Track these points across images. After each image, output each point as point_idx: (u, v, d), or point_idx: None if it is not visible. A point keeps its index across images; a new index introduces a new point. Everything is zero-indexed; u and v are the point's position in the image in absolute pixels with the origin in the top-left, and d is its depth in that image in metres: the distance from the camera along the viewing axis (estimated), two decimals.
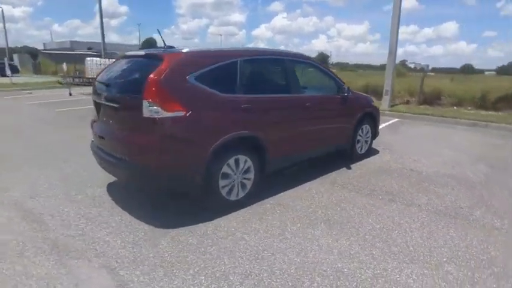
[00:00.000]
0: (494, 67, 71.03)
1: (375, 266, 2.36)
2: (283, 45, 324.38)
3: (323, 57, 57.30)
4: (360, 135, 4.91)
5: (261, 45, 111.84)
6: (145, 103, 2.70)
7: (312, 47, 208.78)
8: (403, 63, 34.80)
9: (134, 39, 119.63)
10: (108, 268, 2.25)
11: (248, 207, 3.22)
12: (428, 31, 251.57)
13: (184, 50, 3.05)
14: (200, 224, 2.87)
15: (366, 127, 5.00)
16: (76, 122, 7.25)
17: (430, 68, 26.39)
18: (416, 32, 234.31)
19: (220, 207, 3.13)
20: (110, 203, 3.24)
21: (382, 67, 12.48)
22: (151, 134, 2.78)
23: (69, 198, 3.33)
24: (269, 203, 3.35)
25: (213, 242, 2.62)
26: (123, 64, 3.37)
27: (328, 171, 4.33)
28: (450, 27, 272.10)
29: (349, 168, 4.54)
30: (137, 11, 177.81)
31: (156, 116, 2.70)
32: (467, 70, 52.81)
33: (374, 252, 2.53)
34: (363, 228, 2.90)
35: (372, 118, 5.14)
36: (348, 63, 61.57)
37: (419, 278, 2.24)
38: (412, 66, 30.40)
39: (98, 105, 3.31)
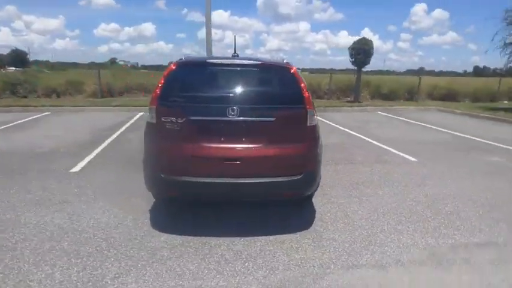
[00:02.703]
0: None
1: None
2: None
3: (18, 55, 51.22)
4: None
5: None
6: (310, 112, 2.83)
7: None
8: (113, 60, 33.26)
9: None
10: None
11: None
12: (129, 30, 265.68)
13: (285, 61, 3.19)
14: None
15: None
16: None
17: (139, 65, 27.50)
18: (119, 30, 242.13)
19: None
20: None
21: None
22: (314, 141, 2.94)
23: None
24: None
25: None
26: (223, 75, 3.08)
27: None
28: (149, 27, 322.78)
29: None
30: None
31: (314, 123, 2.91)
32: None
33: None
34: None
35: None
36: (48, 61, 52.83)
37: None
38: (122, 63, 28.93)
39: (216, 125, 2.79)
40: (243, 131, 2.76)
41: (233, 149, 2.75)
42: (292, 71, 2.98)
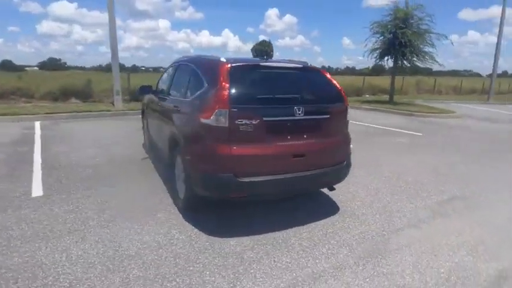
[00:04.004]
0: (35, 63, 73.06)
1: None
2: None
3: None
4: None
5: None
6: (348, 108, 3.33)
7: None
8: None
9: None
10: None
11: None
12: None
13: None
14: None
15: None
16: None
17: None
18: None
19: None
20: None
21: None
22: (346, 132, 3.44)
23: None
24: None
25: None
26: (280, 77, 3.21)
27: None
28: None
29: None
30: None
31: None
32: (8, 66, 46.73)
33: None
34: None
35: None
36: None
37: None
38: None
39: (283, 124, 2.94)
40: (306, 128, 3.02)
41: (299, 145, 2.97)
42: (326, 73, 3.42)
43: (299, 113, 2.92)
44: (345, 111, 3.31)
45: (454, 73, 67.53)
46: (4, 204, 3.41)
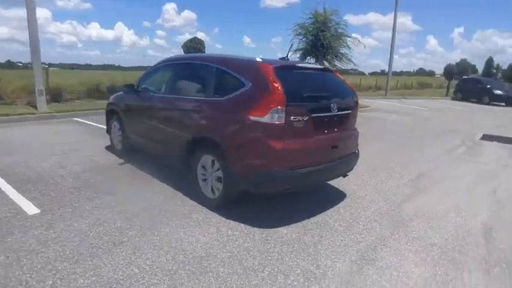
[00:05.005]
0: None
1: None
2: None
3: None
4: None
5: None
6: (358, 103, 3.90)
7: None
8: None
9: None
10: None
11: None
12: None
13: None
14: None
15: None
16: None
17: None
18: None
19: None
20: None
21: None
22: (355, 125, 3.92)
23: None
24: None
25: None
26: (313, 77, 3.56)
27: None
28: None
29: None
30: None
31: None
32: None
33: None
34: None
35: None
36: None
37: None
38: None
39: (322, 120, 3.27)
40: (337, 122, 3.42)
41: (334, 137, 3.37)
42: (337, 73, 3.87)
43: (334, 109, 3.31)
44: (357, 106, 3.83)
45: (343, 71, 78.11)
46: (5, 228, 2.88)
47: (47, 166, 4.62)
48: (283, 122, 2.91)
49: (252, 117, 2.97)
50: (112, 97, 5.50)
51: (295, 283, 2.32)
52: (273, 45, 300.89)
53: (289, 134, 2.99)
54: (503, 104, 18.74)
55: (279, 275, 2.40)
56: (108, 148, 5.70)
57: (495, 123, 11.59)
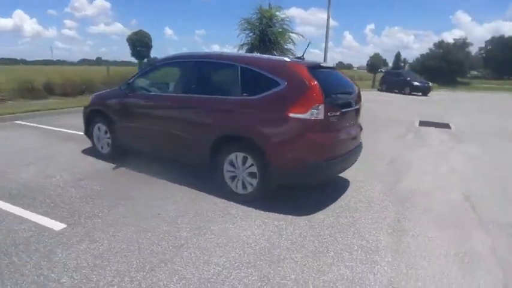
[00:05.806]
0: None
1: None
2: None
3: None
4: None
5: None
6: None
7: None
8: None
9: None
10: None
11: None
12: None
13: None
14: None
15: None
16: None
17: None
18: None
19: None
20: None
21: None
22: None
23: None
24: None
25: None
26: (332, 75, 3.88)
27: None
28: None
29: None
30: None
31: None
32: None
33: None
34: None
35: None
36: None
37: None
38: None
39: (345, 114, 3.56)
40: (354, 115, 3.83)
41: (353, 129, 3.78)
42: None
43: (354, 104, 3.73)
44: (360, 101, 4.29)
45: None
46: (41, 247, 2.61)
47: (30, 177, 4.12)
48: (322, 117, 3.19)
49: (291, 115, 3.17)
50: (94, 96, 5.08)
51: (360, 257, 2.67)
52: (197, 38, 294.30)
53: (325, 128, 3.29)
54: (420, 93, 21.83)
55: (343, 253, 2.72)
56: (85, 152, 5.27)
57: (423, 111, 13.51)
